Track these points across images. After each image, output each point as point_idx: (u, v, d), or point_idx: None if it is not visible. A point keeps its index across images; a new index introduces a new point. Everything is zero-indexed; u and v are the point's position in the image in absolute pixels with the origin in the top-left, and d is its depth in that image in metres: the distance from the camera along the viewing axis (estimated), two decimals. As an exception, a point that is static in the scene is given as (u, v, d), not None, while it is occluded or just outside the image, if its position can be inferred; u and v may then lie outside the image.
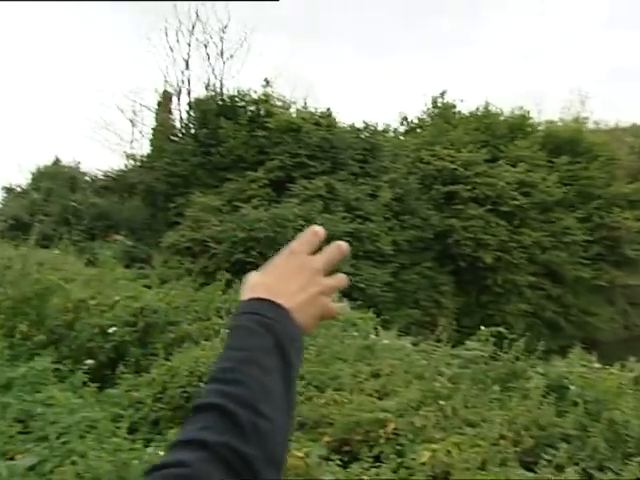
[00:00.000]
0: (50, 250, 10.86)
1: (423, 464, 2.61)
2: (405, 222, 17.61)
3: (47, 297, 6.11)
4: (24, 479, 2.73)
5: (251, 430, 0.53)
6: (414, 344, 6.11)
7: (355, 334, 5.69)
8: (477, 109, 23.45)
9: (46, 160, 18.64)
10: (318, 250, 0.74)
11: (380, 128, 20.32)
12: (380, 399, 3.56)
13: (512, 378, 4.31)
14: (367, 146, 17.64)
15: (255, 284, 0.67)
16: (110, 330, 5.25)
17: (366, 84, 44.61)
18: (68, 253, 10.96)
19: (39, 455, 3.07)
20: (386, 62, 46.09)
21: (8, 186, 17.76)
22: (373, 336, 5.88)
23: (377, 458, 2.85)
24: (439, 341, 5.32)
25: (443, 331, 5.77)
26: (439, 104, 23.80)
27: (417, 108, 34.19)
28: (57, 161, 18.85)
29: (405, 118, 24.86)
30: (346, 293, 12.46)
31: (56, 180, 17.62)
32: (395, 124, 24.54)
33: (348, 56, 42.20)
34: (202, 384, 4.10)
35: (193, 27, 19.30)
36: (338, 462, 2.73)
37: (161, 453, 3.19)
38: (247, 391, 0.55)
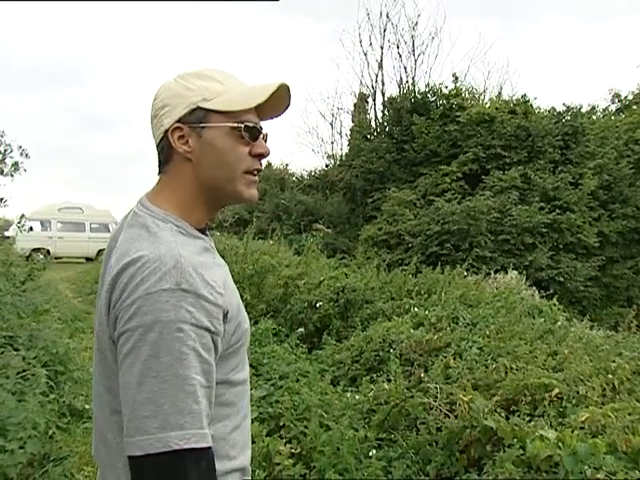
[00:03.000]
0: (265, 241, 12.75)
1: (582, 422, 2.91)
2: (615, 212, 16.13)
3: (264, 275, 7.47)
4: (258, 404, 3.71)
5: None
6: (608, 337, 6.00)
7: (540, 320, 5.84)
8: None
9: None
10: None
11: (585, 109, 18.82)
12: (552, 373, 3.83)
13: None
14: (568, 130, 16.54)
15: None
16: (317, 305, 6.28)
17: (572, 61, 40.68)
18: (280, 244, 12.73)
19: (267, 390, 4.07)
20: (596, 31, 41.31)
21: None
22: (560, 323, 5.95)
23: (539, 417, 3.21)
24: (630, 330, 5.23)
25: (631, 322, 5.58)
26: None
27: (632, 82, 30.49)
28: (269, 165, 21.44)
29: (617, 95, 22.50)
30: (543, 286, 12.12)
31: (268, 181, 20.09)
32: (604, 103, 22.40)
33: (549, 31, 38.82)
34: (392, 349, 4.81)
35: (384, 30, 20.21)
36: (502, 415, 3.17)
37: (357, 397, 3.97)
38: None
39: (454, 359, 4.32)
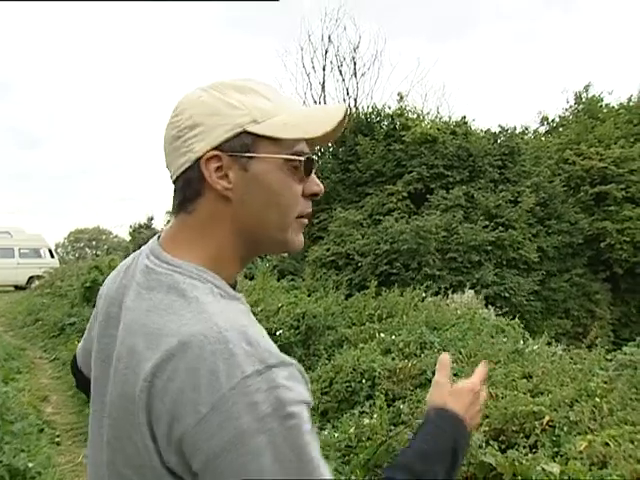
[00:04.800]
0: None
1: (580, 452, 2.80)
2: (551, 227, 16.82)
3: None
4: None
5: None
6: (565, 351, 6.07)
7: (504, 340, 5.82)
8: (629, 99, 21.66)
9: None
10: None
11: (518, 130, 19.66)
12: (533, 397, 3.75)
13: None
14: (505, 151, 17.18)
15: (446, 401, 0.94)
16: (277, 333, 5.99)
17: (502, 85, 42.82)
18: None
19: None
20: (522, 58, 43.80)
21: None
22: (522, 342, 5.96)
23: (533, 447, 3.08)
24: (591, 347, 5.28)
25: (596, 338, 5.67)
26: (583, 99, 22.39)
27: (558, 106, 32.39)
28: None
29: (545, 118, 23.74)
30: (490, 302, 12.34)
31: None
32: (534, 125, 23.57)
33: (482, 54, 40.64)
34: (364, 380, 4.60)
35: (326, 51, 20.41)
36: (496, 448, 3.02)
37: (336, 435, 3.72)
38: (429, 473, 0.82)
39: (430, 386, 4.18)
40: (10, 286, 18.51)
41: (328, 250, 15.67)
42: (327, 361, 5.34)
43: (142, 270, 0.80)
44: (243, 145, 0.78)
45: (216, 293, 0.75)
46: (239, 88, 0.81)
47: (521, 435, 3.17)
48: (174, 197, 0.83)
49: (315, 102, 20.62)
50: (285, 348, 5.90)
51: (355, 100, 20.10)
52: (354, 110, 19.40)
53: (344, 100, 19.98)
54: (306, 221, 0.86)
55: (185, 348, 0.67)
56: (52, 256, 20.11)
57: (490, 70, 42.57)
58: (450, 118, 18.75)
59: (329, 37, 20.22)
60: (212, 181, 0.78)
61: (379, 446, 3.27)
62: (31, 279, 18.27)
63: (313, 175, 0.84)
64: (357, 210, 16.62)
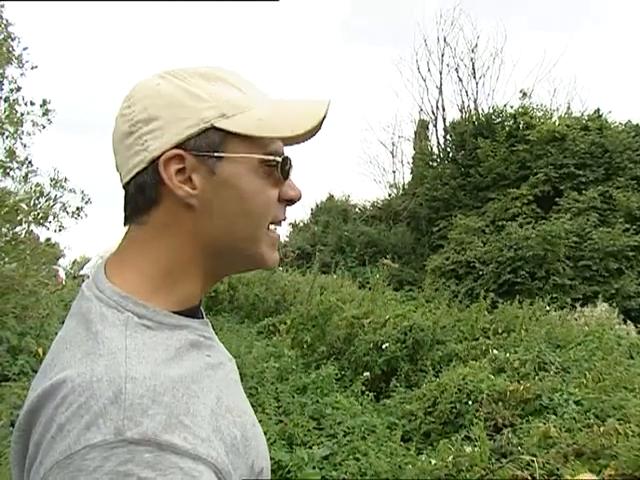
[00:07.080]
0: (329, 275, 12.38)
1: None
2: None
3: (328, 315, 7.04)
4: (320, 465, 3.24)
5: None
6: None
7: (644, 361, 5.05)
8: None
9: (322, 196, 21.19)
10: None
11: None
12: (676, 435, 3.14)
13: None
14: (650, 144, 15.27)
15: None
16: (383, 346, 5.76)
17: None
18: (344, 278, 12.32)
19: (330, 449, 3.60)
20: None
21: (293, 222, 20.69)
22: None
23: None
24: None
25: None
26: None
27: None
28: (330, 197, 21.22)
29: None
30: (633, 316, 10.95)
31: (331, 213, 19.84)
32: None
33: (621, 39, 36.54)
34: (470, 402, 4.22)
35: (442, 54, 19.73)
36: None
37: (433, 462, 3.41)
38: None
39: (546, 413, 3.69)
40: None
41: (448, 259, 15.04)
42: (434, 378, 5.02)
43: (79, 293, 0.69)
44: (211, 143, 0.67)
45: (134, 325, 0.62)
46: (205, 75, 0.70)
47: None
48: (124, 205, 0.71)
49: (432, 106, 20.05)
50: (391, 363, 5.66)
51: (475, 102, 19.19)
52: (474, 112, 18.54)
53: (462, 102, 19.18)
54: (278, 234, 0.74)
55: (55, 391, 0.56)
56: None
57: (632, 56, 38.26)
58: (582, 113, 17.14)
59: (445, 39, 19.56)
60: (173, 185, 0.66)
61: (478, 480, 2.92)
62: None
63: (291, 178, 0.74)
64: (478, 216, 15.79)
